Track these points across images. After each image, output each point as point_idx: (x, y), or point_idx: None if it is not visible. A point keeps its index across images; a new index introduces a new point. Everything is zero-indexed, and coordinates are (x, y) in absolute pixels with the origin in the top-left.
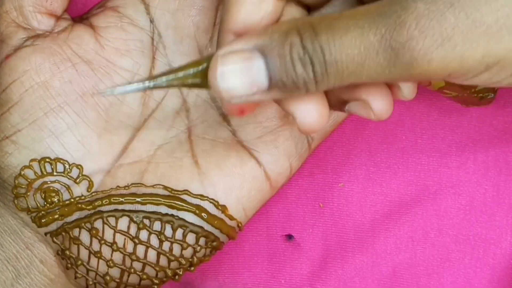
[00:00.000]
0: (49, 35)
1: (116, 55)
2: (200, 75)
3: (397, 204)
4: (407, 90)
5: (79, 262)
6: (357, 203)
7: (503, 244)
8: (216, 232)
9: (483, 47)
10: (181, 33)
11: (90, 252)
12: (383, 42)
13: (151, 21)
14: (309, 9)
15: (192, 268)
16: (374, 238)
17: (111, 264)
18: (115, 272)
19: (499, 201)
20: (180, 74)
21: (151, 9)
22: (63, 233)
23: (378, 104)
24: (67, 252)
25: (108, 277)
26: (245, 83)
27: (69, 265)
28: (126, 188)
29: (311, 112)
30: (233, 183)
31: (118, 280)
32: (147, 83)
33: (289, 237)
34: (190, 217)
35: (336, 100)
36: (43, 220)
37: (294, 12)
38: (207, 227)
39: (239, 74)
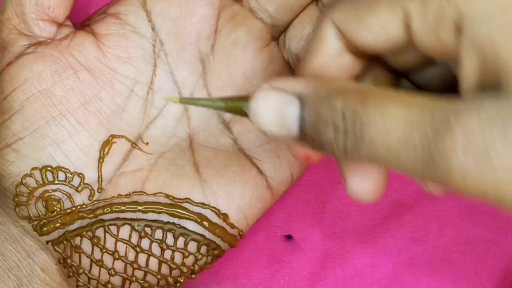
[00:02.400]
0: (51, 42)
1: (118, 63)
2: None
3: (397, 205)
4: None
5: (81, 270)
6: (357, 203)
7: (503, 244)
8: (217, 240)
9: None
10: (182, 40)
11: (91, 261)
12: (425, 144)
13: (153, 29)
14: (399, 74)
15: (194, 276)
16: (374, 238)
17: (113, 273)
18: (116, 281)
19: None
20: (232, 103)
21: (153, 16)
22: (65, 242)
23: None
24: (69, 261)
25: (110, 285)
26: (275, 124)
27: (71, 274)
28: (128, 196)
29: (365, 185)
30: (234, 192)
31: None
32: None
33: (289, 237)
34: (191, 225)
35: None
36: (44, 229)
37: (379, 74)
38: (209, 235)
39: (272, 113)
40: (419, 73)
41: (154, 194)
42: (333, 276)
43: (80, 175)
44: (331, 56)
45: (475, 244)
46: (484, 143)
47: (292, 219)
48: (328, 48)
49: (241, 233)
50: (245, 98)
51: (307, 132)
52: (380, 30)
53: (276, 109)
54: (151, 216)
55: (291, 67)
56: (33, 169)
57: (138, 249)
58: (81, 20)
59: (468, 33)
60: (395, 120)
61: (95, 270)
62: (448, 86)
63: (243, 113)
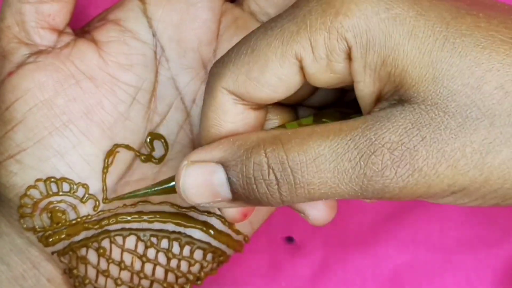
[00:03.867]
0: (52, 51)
1: (120, 70)
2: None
3: (398, 206)
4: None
5: (87, 280)
6: (358, 204)
7: (505, 245)
8: (223, 247)
9: (449, 178)
10: (184, 46)
11: (97, 271)
12: (357, 168)
13: (154, 35)
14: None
15: (199, 282)
16: (375, 240)
17: (119, 282)
18: None
19: None
20: (163, 186)
21: (154, 22)
22: (70, 253)
23: (315, 214)
24: (75, 271)
25: None
26: (206, 195)
27: (77, 284)
28: (133, 206)
29: (321, 209)
30: None
31: None
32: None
33: (290, 239)
34: (197, 233)
35: None
36: (50, 240)
37: (280, 111)
38: (214, 242)
39: (199, 186)
40: (311, 98)
41: (160, 204)
42: (334, 278)
43: (85, 186)
44: (235, 122)
45: (476, 245)
46: (409, 153)
47: (293, 221)
48: (230, 116)
49: (246, 238)
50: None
51: (239, 193)
52: (278, 83)
53: (202, 181)
54: (157, 225)
55: None
56: (37, 180)
57: (144, 259)
58: (80, 22)
59: (359, 59)
60: (322, 156)
61: (101, 280)
62: (339, 98)
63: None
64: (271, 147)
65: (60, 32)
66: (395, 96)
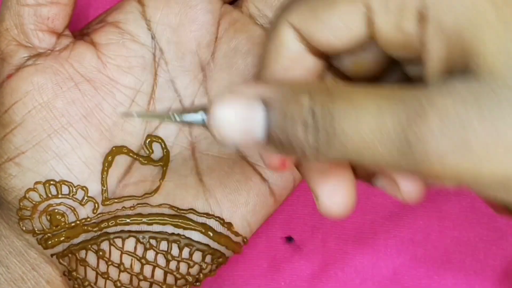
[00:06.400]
0: (51, 54)
1: (118, 73)
2: None
3: (397, 206)
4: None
5: (86, 283)
6: (358, 204)
7: (504, 245)
8: (222, 249)
9: (505, 167)
10: (182, 48)
11: (97, 273)
12: (399, 130)
13: (153, 37)
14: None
15: (198, 284)
16: (375, 239)
17: (119, 284)
18: None
19: None
20: (188, 119)
21: (152, 24)
22: (70, 255)
23: (408, 186)
24: (74, 273)
25: None
26: (238, 131)
27: (76, 286)
28: (132, 208)
29: (336, 198)
30: (238, 200)
31: None
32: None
33: (289, 239)
34: (196, 235)
35: (363, 170)
36: (49, 242)
37: (334, 74)
38: (213, 244)
39: (235, 120)
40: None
41: (159, 206)
42: (334, 278)
43: (84, 188)
44: (293, 59)
45: (475, 244)
46: (461, 124)
47: (293, 220)
48: (289, 51)
49: (245, 239)
50: (203, 108)
51: (274, 135)
52: (342, 27)
53: (239, 115)
54: (156, 227)
55: None
56: (36, 183)
57: (143, 261)
58: (79, 24)
59: (433, 20)
60: (366, 109)
61: (101, 282)
62: None
63: (202, 124)
64: (318, 92)
65: (59, 35)
66: (461, 65)
